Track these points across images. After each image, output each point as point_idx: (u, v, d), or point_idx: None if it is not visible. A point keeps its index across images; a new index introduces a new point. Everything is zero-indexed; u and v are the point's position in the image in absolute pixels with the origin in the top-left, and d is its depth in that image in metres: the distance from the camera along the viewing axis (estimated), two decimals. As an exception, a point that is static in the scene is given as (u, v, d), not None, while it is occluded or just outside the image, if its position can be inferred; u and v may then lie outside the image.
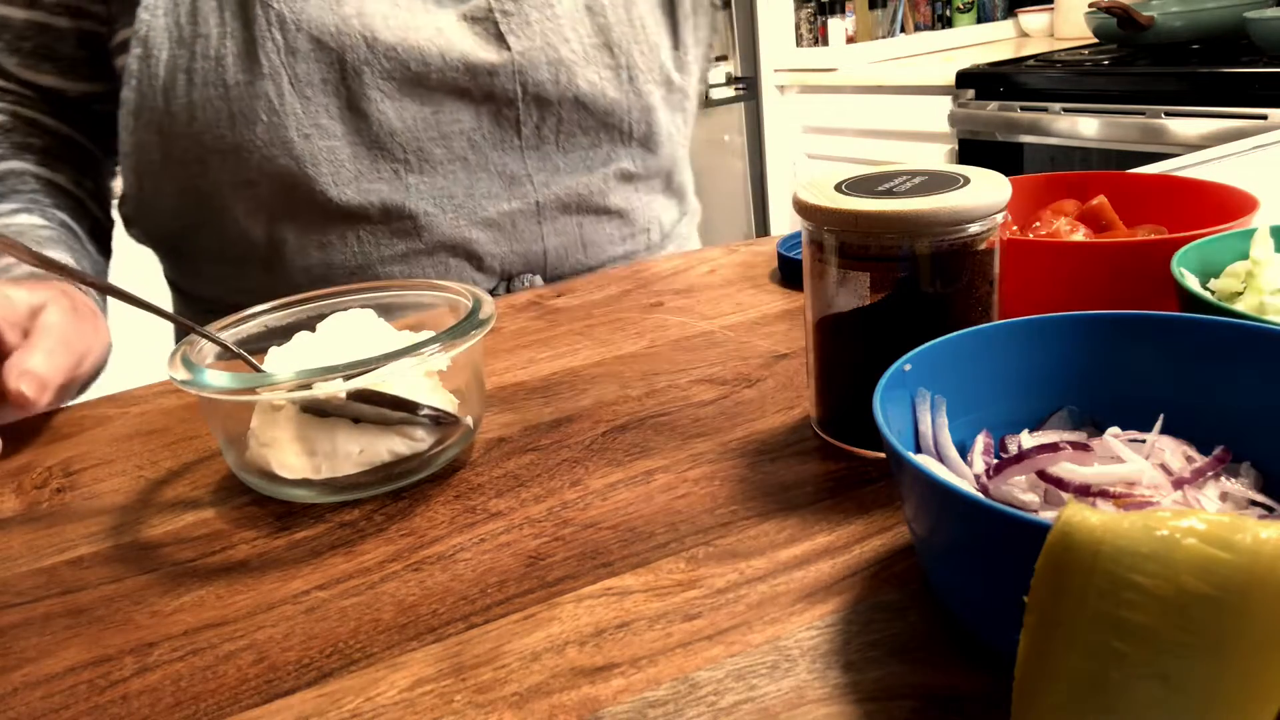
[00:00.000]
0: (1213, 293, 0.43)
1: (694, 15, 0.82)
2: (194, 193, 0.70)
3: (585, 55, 0.72)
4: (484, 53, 0.69)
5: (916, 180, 0.40)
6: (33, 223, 0.65)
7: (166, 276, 0.83)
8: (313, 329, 0.47)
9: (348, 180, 0.68)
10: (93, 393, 0.62)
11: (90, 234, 0.72)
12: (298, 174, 0.67)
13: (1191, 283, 0.41)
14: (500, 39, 0.69)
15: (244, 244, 0.72)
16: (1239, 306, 0.40)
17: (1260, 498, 0.31)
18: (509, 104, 0.71)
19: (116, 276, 0.74)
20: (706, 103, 2.72)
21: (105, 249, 0.76)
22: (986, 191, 0.38)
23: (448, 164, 0.71)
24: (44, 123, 0.74)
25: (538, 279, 0.77)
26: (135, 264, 0.82)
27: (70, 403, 0.60)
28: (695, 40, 0.83)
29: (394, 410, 0.42)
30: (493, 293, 0.76)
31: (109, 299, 0.69)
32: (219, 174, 0.68)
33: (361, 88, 0.66)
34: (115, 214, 0.79)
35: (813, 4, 2.88)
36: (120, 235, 0.79)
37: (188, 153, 0.68)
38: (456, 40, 0.68)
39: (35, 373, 0.51)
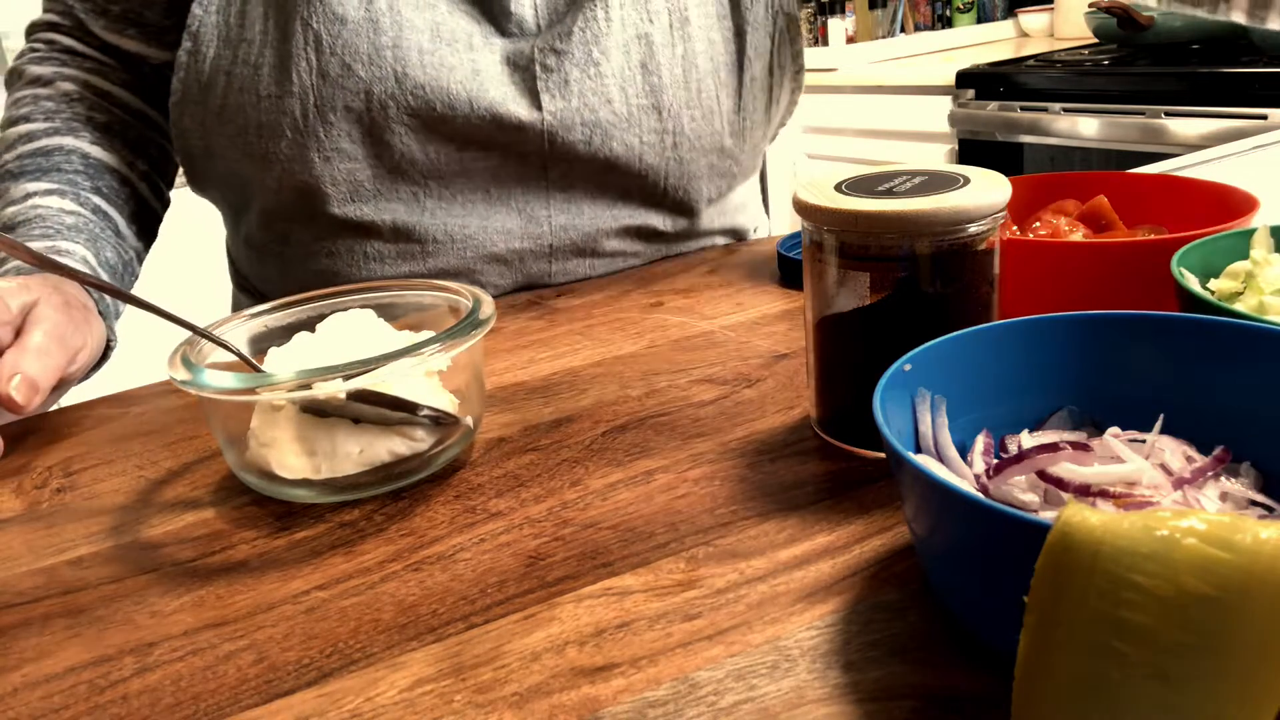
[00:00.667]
0: (1213, 293, 0.43)
1: (767, 78, 0.76)
2: (232, 183, 0.72)
3: (629, 117, 0.69)
4: (514, 106, 0.66)
5: (916, 180, 0.40)
6: (61, 206, 0.65)
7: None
8: (313, 329, 0.47)
9: (366, 198, 0.68)
10: (93, 393, 0.62)
11: (133, 217, 0.72)
12: (316, 190, 0.67)
13: (1191, 283, 0.41)
14: (534, 95, 0.67)
15: (264, 235, 0.73)
16: (1239, 306, 0.40)
17: (1260, 498, 0.31)
18: (536, 154, 0.69)
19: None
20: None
21: (149, 233, 0.75)
22: (986, 191, 0.38)
23: (468, 193, 0.70)
24: (116, 94, 0.74)
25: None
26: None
27: (70, 403, 0.60)
28: (762, 105, 0.77)
29: (394, 410, 0.42)
30: None
31: (130, 281, 0.70)
32: (249, 173, 0.69)
33: (386, 120, 0.65)
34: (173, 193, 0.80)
35: (813, 4, 2.88)
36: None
37: (225, 149, 0.68)
38: (490, 87, 0.66)
39: (27, 376, 0.51)
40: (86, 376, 0.62)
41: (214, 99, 0.66)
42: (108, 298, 0.64)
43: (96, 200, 0.68)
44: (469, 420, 0.46)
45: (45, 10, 0.75)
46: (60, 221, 0.64)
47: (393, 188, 0.68)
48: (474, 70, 0.66)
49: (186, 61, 0.66)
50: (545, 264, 0.74)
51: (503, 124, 0.66)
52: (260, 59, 0.64)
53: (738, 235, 0.86)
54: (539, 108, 0.67)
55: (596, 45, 0.67)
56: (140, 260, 0.73)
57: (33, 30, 0.75)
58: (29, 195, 0.65)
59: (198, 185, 0.76)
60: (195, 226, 1.23)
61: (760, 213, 0.91)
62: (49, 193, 0.66)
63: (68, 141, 0.69)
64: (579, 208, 0.73)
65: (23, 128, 0.69)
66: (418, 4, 0.65)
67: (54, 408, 0.60)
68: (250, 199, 0.72)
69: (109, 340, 0.63)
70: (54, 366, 0.53)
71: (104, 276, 0.64)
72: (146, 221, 0.75)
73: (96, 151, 0.70)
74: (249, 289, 0.82)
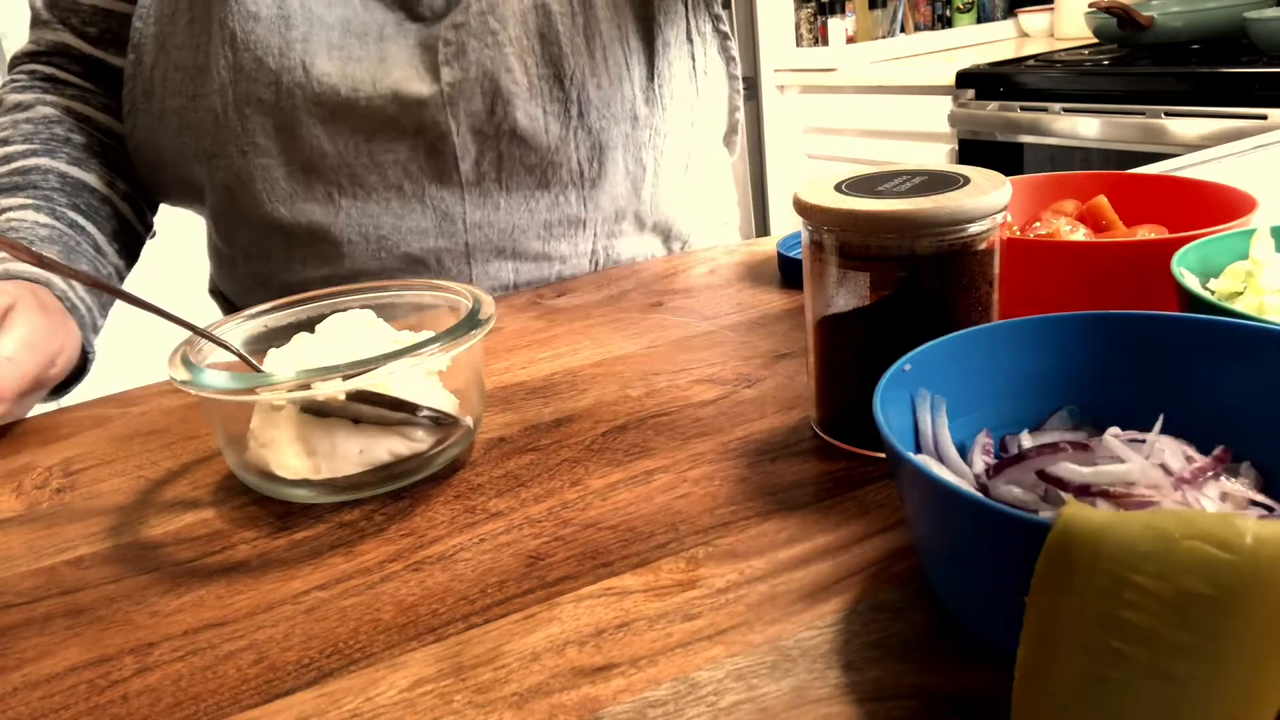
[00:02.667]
0: (1213, 293, 0.43)
1: (686, 44, 0.75)
2: (185, 190, 0.73)
3: (530, 87, 0.68)
4: (416, 84, 0.67)
5: (916, 180, 0.40)
6: (36, 220, 0.66)
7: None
8: (312, 329, 0.47)
9: (283, 198, 0.69)
10: (93, 393, 0.62)
11: (114, 235, 0.72)
12: (237, 189, 0.69)
13: (1191, 283, 0.41)
14: (435, 70, 0.67)
15: (217, 239, 0.76)
16: (1239, 306, 0.40)
17: (1260, 498, 0.31)
18: (442, 137, 0.68)
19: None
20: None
21: (131, 252, 0.76)
22: (986, 191, 0.38)
23: (382, 191, 0.69)
24: (97, 119, 0.75)
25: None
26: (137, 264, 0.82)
27: (70, 403, 0.60)
28: (683, 73, 0.75)
29: (394, 411, 0.42)
30: None
31: (109, 300, 0.69)
32: (194, 177, 0.71)
33: (294, 110, 0.66)
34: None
35: (813, 4, 2.88)
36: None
37: (171, 155, 0.70)
38: (393, 69, 0.67)
39: None
40: (64, 391, 0.62)
41: (155, 105, 0.69)
42: (83, 309, 0.64)
43: (73, 215, 0.68)
44: (469, 420, 0.46)
45: (29, 41, 0.76)
46: (34, 234, 0.64)
47: (307, 187, 0.69)
48: (381, 58, 0.67)
49: (132, 73, 0.69)
50: (465, 265, 0.73)
51: (405, 102, 0.67)
52: (187, 60, 0.67)
53: (684, 241, 0.84)
54: (437, 80, 0.67)
55: (493, 14, 0.67)
56: (120, 279, 0.73)
57: (15, 63, 0.76)
58: (3, 210, 0.66)
59: (163, 196, 0.77)
60: (195, 227, 1.23)
61: (731, 220, 0.90)
62: (23, 207, 0.66)
63: (44, 161, 0.70)
64: (494, 201, 0.72)
65: (0, 151, 0.70)
66: (330, 1, 0.66)
67: (51, 409, 0.60)
68: (203, 204, 0.74)
69: (87, 354, 0.63)
70: (28, 373, 0.53)
71: (80, 291, 0.64)
72: (128, 240, 0.75)
73: (75, 171, 0.71)
74: (216, 291, 0.84)
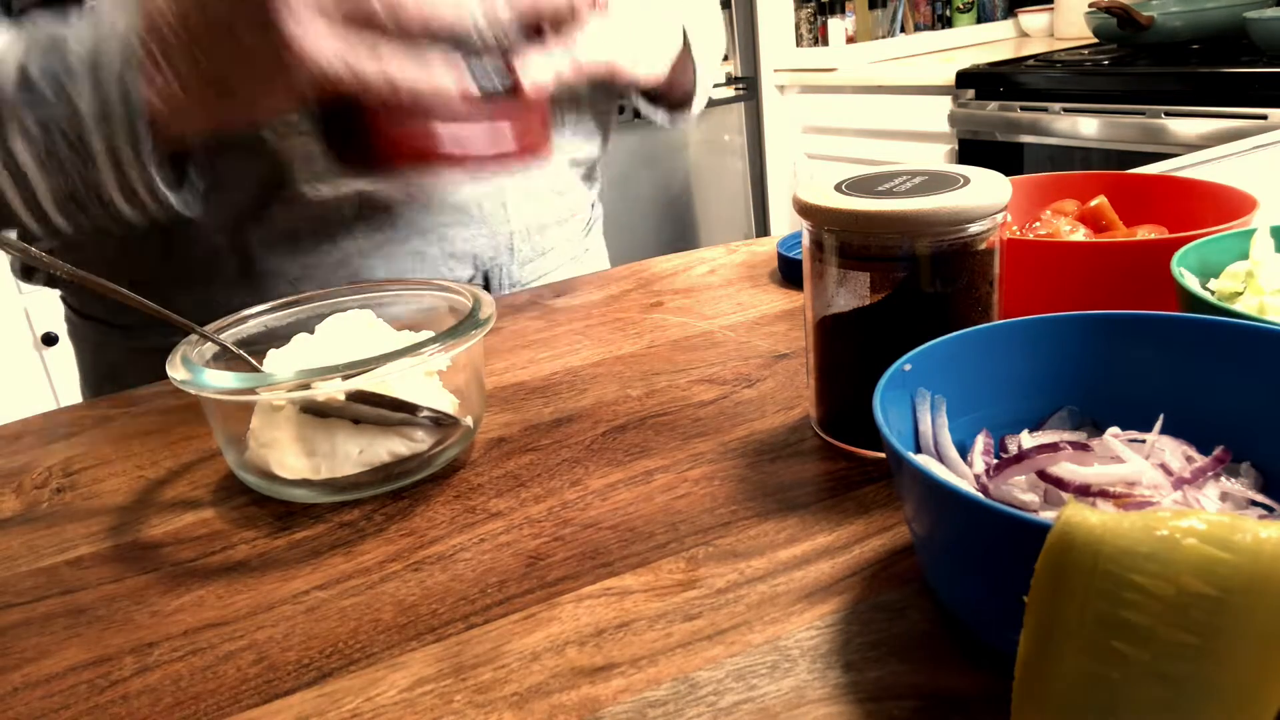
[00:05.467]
0: (1213, 293, 0.43)
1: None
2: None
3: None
4: None
5: (916, 180, 0.40)
6: None
7: (80, 311, 0.77)
8: (312, 330, 0.47)
9: (322, 175, 0.67)
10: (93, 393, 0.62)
11: None
12: (272, 176, 0.65)
13: (1191, 283, 0.41)
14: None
15: (211, 262, 0.68)
16: (1239, 306, 0.40)
17: (1260, 498, 0.31)
18: None
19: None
20: (707, 102, 2.71)
21: None
22: (986, 191, 0.38)
23: None
24: None
25: (512, 266, 0.77)
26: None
27: (70, 403, 0.60)
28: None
29: (394, 411, 0.42)
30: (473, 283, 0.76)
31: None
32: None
33: None
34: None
35: (813, 4, 2.88)
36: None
37: None
38: None
39: None
40: None
41: None
42: None
43: None
44: (469, 420, 0.46)
45: None
46: None
47: None
48: None
49: None
50: (501, 208, 0.74)
51: None
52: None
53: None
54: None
55: None
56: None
57: None
58: None
59: (80, 259, 0.73)
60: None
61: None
62: None
63: None
64: None
65: None
66: None
67: (51, 409, 0.60)
68: (180, 233, 0.71)
69: None
70: None
71: None
72: None
73: None
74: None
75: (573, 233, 0.83)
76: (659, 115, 0.82)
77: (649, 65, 0.68)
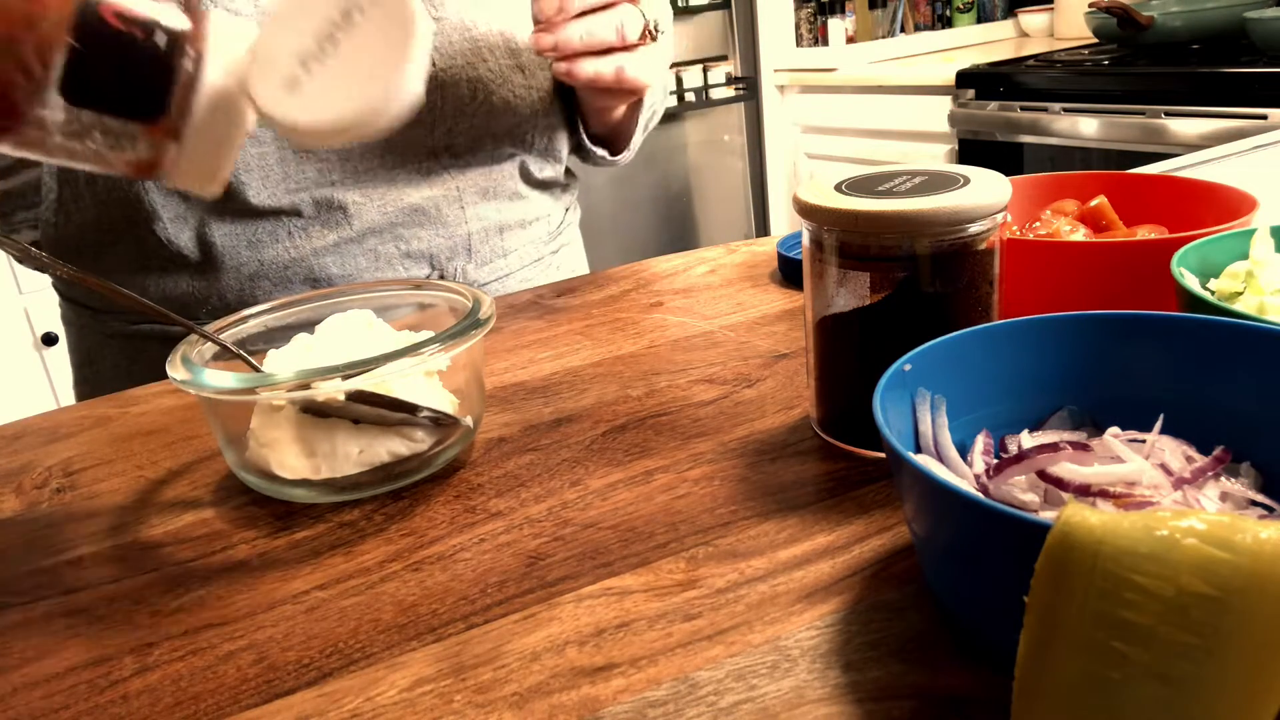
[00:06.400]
0: (1213, 293, 0.43)
1: None
2: (120, 201, 0.68)
3: (501, 75, 0.73)
4: None
5: (916, 180, 0.40)
6: None
7: (64, 294, 0.80)
8: (311, 330, 0.47)
9: (277, 182, 0.68)
10: (92, 392, 0.62)
11: None
12: (229, 182, 0.66)
13: (1191, 283, 0.41)
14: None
15: (169, 251, 0.69)
16: (1239, 306, 0.40)
17: (1260, 498, 0.31)
18: (427, 111, 0.71)
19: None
20: (707, 102, 2.72)
21: None
22: (986, 191, 0.38)
23: (369, 158, 0.71)
24: None
25: (469, 266, 0.77)
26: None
27: (70, 403, 0.60)
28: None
29: (393, 411, 0.42)
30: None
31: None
32: (148, 181, 0.67)
33: None
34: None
35: (813, 4, 2.88)
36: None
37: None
38: None
39: None
40: None
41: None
42: None
43: None
44: (469, 420, 0.46)
45: None
46: None
47: (299, 168, 0.69)
48: None
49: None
50: (459, 209, 0.75)
51: None
52: None
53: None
54: (433, 63, 0.68)
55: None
56: None
57: None
58: None
59: (52, 239, 0.74)
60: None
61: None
62: None
63: None
64: (465, 160, 0.75)
65: None
66: None
67: (51, 409, 0.60)
68: (138, 222, 0.72)
69: None
70: None
71: None
72: None
73: None
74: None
75: (536, 236, 0.83)
76: (600, 152, 0.83)
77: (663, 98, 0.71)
